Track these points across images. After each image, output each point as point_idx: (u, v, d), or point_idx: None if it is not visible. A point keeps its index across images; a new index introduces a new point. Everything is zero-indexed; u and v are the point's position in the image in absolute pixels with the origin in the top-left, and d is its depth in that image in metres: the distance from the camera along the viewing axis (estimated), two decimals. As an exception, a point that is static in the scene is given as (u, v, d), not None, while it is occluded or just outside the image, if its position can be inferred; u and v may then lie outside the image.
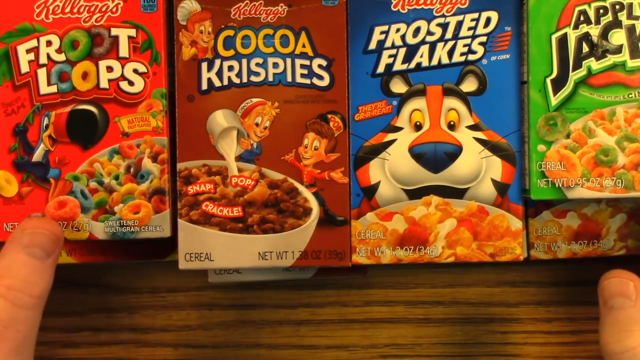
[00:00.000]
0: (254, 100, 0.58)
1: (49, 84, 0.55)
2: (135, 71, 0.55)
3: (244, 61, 0.58)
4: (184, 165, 0.58)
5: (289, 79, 0.58)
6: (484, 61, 0.60)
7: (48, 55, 0.54)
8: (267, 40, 0.58)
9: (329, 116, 0.58)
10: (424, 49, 0.60)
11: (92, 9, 0.54)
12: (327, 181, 0.59)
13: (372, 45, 0.59)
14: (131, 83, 0.55)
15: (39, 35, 0.54)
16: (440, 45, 0.59)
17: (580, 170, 0.59)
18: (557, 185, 0.59)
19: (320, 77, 0.58)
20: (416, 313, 0.69)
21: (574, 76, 0.59)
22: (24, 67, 0.54)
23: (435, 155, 0.60)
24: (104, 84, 0.55)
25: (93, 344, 0.68)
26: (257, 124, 0.58)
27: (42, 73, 0.54)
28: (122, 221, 0.55)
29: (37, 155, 0.55)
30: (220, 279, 0.63)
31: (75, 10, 0.54)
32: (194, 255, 0.57)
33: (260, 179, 0.58)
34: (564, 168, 0.59)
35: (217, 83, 0.58)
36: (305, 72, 0.58)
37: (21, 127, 0.55)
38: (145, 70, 0.55)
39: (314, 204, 0.58)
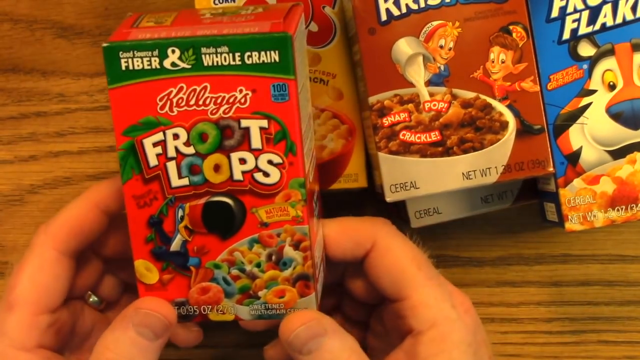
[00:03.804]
0: (435, 23, 0.57)
1: (179, 176, 0.52)
2: (270, 162, 0.52)
3: (420, -14, 0.58)
4: (375, 99, 0.57)
5: (466, -3, 0.58)
6: (670, 13, 0.60)
7: (176, 148, 0.52)
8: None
9: (511, 27, 0.57)
10: (607, 8, 0.59)
11: (218, 101, 0.51)
12: (518, 92, 0.58)
13: (555, 13, 0.59)
14: (266, 174, 0.52)
15: (165, 128, 0.52)
16: (622, 2, 0.59)
17: None
18: None
19: (498, -9, 0.58)
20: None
21: None
22: (152, 161, 0.52)
23: (633, 112, 0.59)
24: (237, 176, 0.52)
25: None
26: (441, 47, 0.57)
27: (171, 166, 0.52)
28: (267, 305, 0.54)
29: (175, 245, 0.54)
30: (422, 223, 0.63)
31: (200, 103, 0.51)
32: (399, 186, 0.57)
33: (453, 100, 0.57)
34: None
35: (395, 12, 0.57)
36: None
37: (156, 218, 0.53)
38: (281, 161, 0.52)
39: (509, 116, 0.57)
